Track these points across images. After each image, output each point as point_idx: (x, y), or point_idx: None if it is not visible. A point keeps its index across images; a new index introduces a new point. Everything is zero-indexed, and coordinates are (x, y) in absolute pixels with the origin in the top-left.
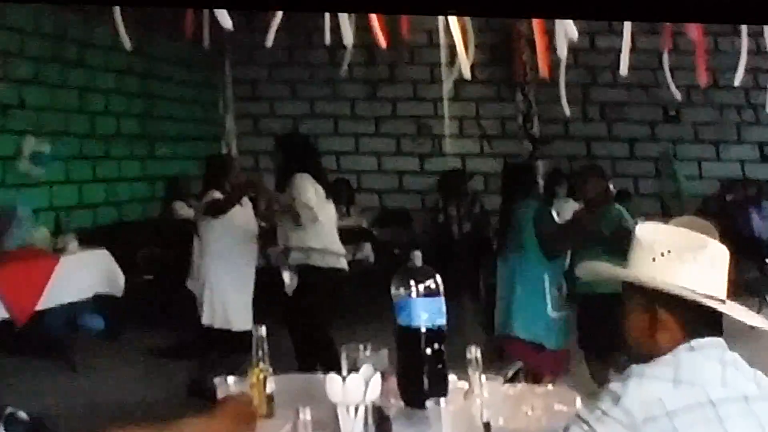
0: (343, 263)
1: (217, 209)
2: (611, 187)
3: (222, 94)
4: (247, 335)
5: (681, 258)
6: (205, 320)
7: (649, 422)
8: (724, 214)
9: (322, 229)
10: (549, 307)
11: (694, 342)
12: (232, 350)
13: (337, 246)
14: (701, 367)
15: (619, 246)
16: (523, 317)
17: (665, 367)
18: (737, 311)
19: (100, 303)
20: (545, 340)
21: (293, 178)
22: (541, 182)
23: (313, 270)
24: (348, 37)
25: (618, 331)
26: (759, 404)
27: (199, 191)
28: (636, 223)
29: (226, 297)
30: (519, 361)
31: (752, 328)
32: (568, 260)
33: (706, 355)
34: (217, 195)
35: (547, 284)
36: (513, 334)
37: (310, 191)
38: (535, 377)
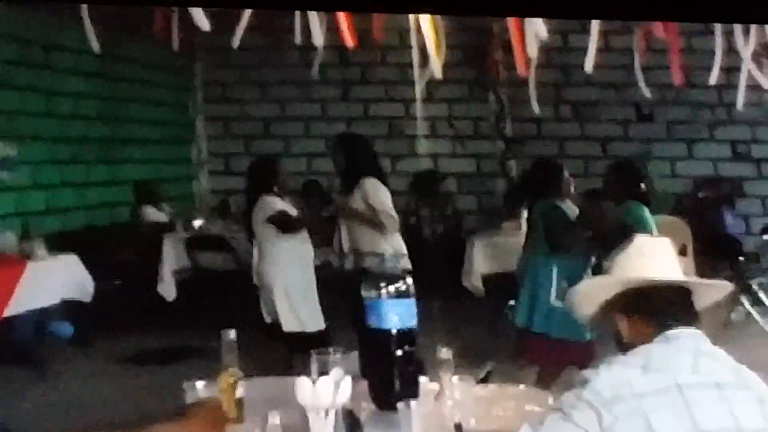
0: (408, 264)
1: (290, 227)
2: (642, 184)
3: (192, 96)
4: (321, 334)
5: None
6: (286, 327)
7: (616, 401)
8: (697, 213)
9: (396, 233)
10: (553, 296)
11: (670, 333)
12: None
13: (404, 248)
14: (672, 356)
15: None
16: (528, 308)
17: (637, 356)
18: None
19: (69, 309)
20: (546, 329)
21: (363, 183)
22: (566, 179)
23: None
24: (318, 37)
25: None
26: (733, 392)
27: (247, 196)
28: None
29: (297, 301)
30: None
31: None
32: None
33: (678, 346)
34: (279, 205)
35: (554, 275)
36: (520, 325)
37: (388, 198)
38: (550, 371)
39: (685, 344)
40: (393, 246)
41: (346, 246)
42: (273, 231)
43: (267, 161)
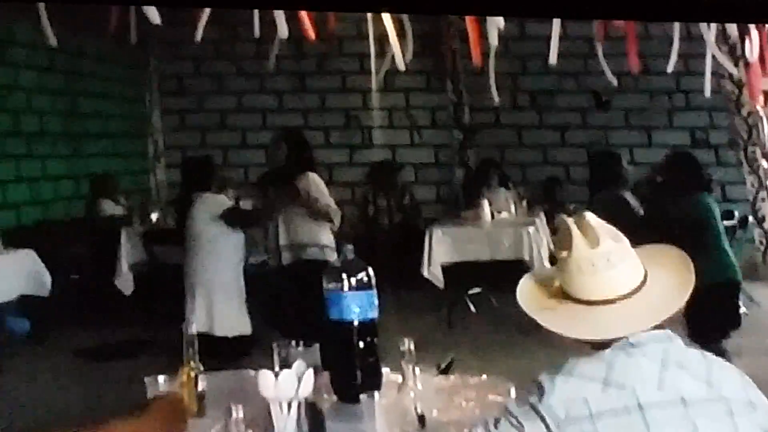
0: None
1: (247, 220)
2: (705, 173)
3: (148, 89)
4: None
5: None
6: (225, 332)
7: (571, 422)
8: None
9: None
10: None
11: (633, 339)
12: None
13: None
14: (636, 368)
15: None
16: None
17: (598, 364)
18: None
19: (25, 304)
20: None
21: (305, 177)
22: (625, 169)
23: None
24: (283, 30)
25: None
26: (700, 408)
27: (183, 196)
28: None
29: (220, 301)
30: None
31: None
32: None
33: (644, 353)
34: (228, 202)
35: None
36: None
37: (326, 190)
38: None
39: (651, 352)
40: (329, 238)
41: (283, 240)
42: (220, 228)
43: (202, 160)
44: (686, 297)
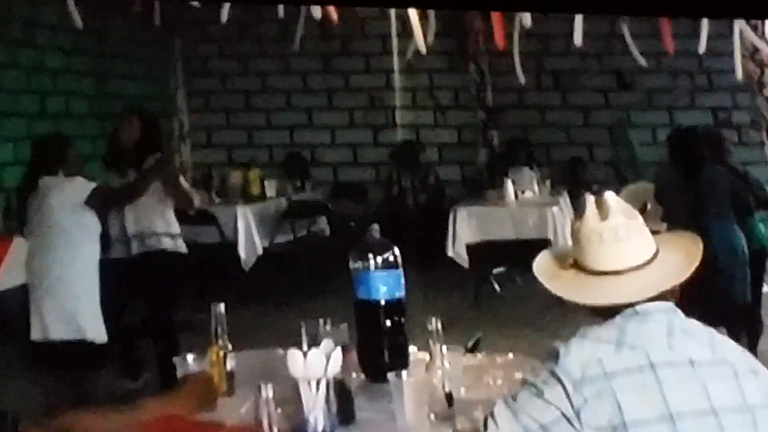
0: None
1: (119, 199)
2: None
3: (172, 70)
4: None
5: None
6: (91, 334)
7: (586, 382)
8: None
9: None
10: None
11: (639, 307)
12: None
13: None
14: (645, 332)
15: None
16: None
17: (610, 328)
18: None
19: None
20: None
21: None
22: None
23: (174, 255)
24: (316, 11)
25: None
26: (708, 369)
27: (26, 175)
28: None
29: (76, 302)
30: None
31: None
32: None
33: (652, 320)
34: (90, 184)
35: (744, 243)
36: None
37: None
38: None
39: (657, 320)
40: (177, 227)
41: (131, 229)
42: (82, 218)
43: (50, 139)
44: (688, 274)
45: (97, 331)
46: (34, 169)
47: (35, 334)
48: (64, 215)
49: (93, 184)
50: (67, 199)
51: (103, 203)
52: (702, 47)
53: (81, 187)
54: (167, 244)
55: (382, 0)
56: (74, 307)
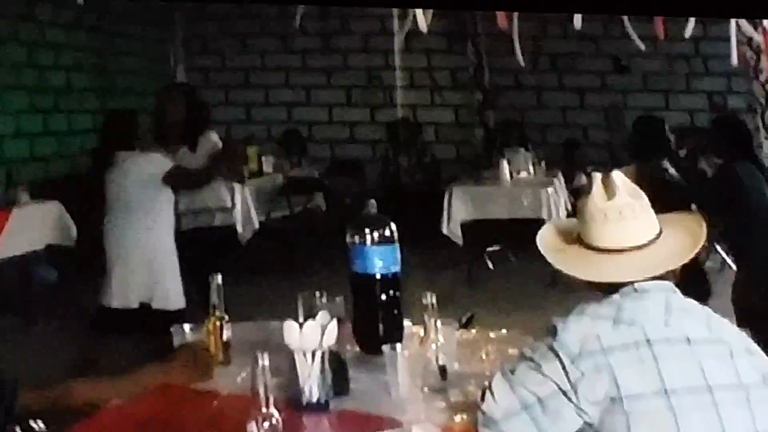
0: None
1: (194, 182)
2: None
3: (173, 47)
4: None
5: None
6: (175, 305)
7: (584, 356)
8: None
9: None
10: None
11: (638, 285)
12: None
13: None
14: (642, 309)
15: None
16: None
17: (608, 305)
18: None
19: (52, 253)
20: None
21: (209, 135)
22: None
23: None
24: None
25: None
26: (704, 347)
27: (99, 150)
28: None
29: (159, 273)
30: None
31: None
32: None
33: (649, 298)
34: (168, 162)
35: None
36: None
37: None
38: None
39: (655, 298)
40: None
41: (181, 205)
42: (159, 193)
43: (125, 114)
44: (690, 256)
45: (176, 298)
46: (110, 144)
47: (116, 302)
48: (143, 189)
49: (171, 163)
50: (147, 174)
51: (176, 183)
52: (688, 32)
53: (159, 163)
54: (222, 219)
55: (382, 0)
56: (155, 277)
